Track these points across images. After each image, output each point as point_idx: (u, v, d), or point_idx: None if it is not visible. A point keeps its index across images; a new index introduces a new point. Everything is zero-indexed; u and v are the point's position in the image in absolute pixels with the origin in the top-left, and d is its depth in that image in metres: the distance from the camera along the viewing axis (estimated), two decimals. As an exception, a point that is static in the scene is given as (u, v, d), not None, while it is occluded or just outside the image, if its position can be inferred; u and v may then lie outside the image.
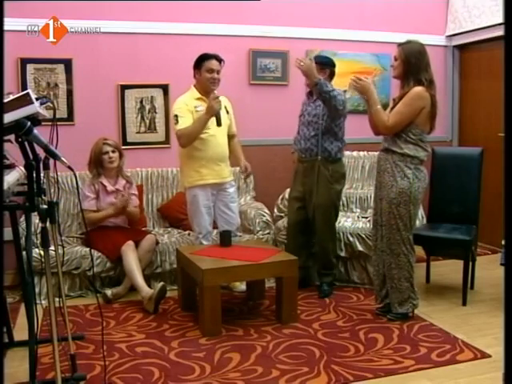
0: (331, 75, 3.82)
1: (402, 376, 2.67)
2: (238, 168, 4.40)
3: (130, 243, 3.72)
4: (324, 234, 3.85)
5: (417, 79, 3.13)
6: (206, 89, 3.61)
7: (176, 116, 3.59)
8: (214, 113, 3.51)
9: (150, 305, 3.48)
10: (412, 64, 3.12)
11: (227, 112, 3.76)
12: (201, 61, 3.61)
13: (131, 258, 3.65)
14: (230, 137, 3.87)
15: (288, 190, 4.18)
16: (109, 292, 3.71)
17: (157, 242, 3.91)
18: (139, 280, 3.60)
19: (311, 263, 4.00)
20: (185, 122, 3.57)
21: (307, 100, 3.90)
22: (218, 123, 3.58)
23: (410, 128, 3.16)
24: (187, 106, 3.61)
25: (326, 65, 3.77)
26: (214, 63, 3.59)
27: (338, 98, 3.62)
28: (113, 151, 3.93)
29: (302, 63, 3.48)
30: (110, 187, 3.93)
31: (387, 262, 3.30)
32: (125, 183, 4.02)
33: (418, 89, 3.11)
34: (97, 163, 3.93)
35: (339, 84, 4.97)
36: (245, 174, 3.86)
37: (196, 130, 3.55)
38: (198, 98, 3.65)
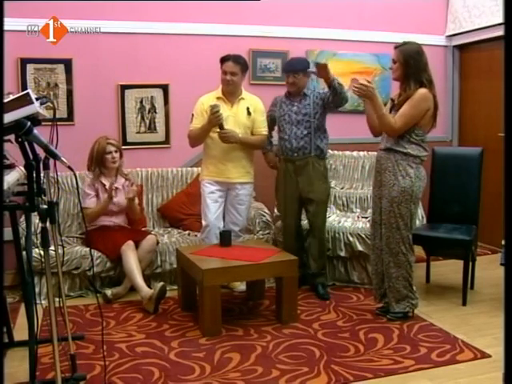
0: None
1: (402, 376, 2.67)
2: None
3: (130, 243, 3.72)
4: (322, 229, 3.88)
5: (417, 80, 3.13)
6: (223, 89, 3.73)
7: (192, 115, 3.75)
8: (213, 125, 3.61)
9: (150, 305, 3.48)
10: (411, 65, 3.13)
11: (249, 113, 3.75)
12: (220, 62, 3.70)
13: (131, 257, 3.65)
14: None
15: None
16: (109, 292, 3.71)
17: (157, 243, 3.91)
18: (139, 280, 3.60)
19: (307, 261, 3.98)
20: (196, 122, 3.71)
21: (286, 100, 3.87)
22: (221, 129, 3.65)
23: (413, 129, 3.17)
24: (203, 105, 3.73)
25: (308, 68, 3.78)
26: (227, 65, 3.66)
27: (347, 94, 3.72)
28: (115, 151, 3.94)
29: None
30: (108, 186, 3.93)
31: (386, 260, 3.31)
32: (124, 181, 4.02)
33: (423, 91, 3.12)
34: (98, 162, 3.92)
35: (339, 84, 5.00)
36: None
37: (199, 136, 3.74)
38: (219, 98, 3.73)
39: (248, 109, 3.75)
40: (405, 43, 3.20)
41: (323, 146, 3.82)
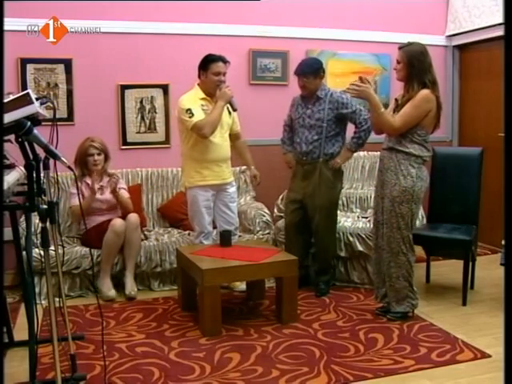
0: (324, 74, 3.84)
1: (402, 376, 2.67)
2: (238, 168, 4.46)
3: (118, 221, 3.77)
4: (326, 235, 3.86)
5: (421, 81, 3.12)
6: (212, 91, 3.62)
7: (189, 109, 3.54)
8: (228, 98, 3.56)
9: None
10: (415, 66, 3.12)
11: (229, 112, 3.74)
12: (207, 62, 3.59)
13: (113, 240, 3.72)
14: (235, 136, 3.89)
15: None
16: (113, 292, 3.75)
17: (143, 226, 3.98)
18: (108, 271, 3.77)
19: (310, 262, 4.00)
20: (200, 114, 3.55)
21: (302, 102, 3.85)
22: (234, 109, 3.67)
23: (415, 129, 3.17)
24: (196, 102, 3.61)
25: (319, 70, 3.75)
26: (220, 66, 3.58)
27: (367, 119, 3.67)
28: (98, 154, 3.94)
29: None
30: (93, 185, 3.89)
31: (386, 260, 3.31)
32: (109, 179, 3.98)
33: (425, 92, 3.12)
34: (81, 163, 3.94)
35: (339, 84, 5.00)
36: (254, 182, 3.93)
37: (217, 117, 3.55)
38: (203, 98, 3.64)
39: (228, 108, 3.71)
40: (409, 44, 3.19)
41: (334, 150, 3.77)
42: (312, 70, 3.71)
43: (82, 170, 3.95)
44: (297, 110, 3.87)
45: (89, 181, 3.93)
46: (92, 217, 3.91)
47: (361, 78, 3.20)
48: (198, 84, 3.68)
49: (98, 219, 3.92)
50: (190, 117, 3.53)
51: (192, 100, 3.61)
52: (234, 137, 3.89)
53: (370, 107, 3.25)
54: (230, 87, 3.58)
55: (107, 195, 3.95)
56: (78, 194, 2.56)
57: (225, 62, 3.60)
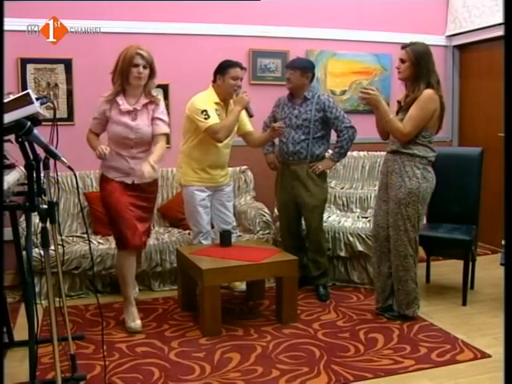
0: (312, 78, 3.83)
1: (402, 376, 2.67)
2: (237, 168, 4.46)
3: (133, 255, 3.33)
4: (320, 234, 3.86)
5: (427, 81, 3.10)
6: (227, 95, 3.62)
7: (206, 111, 3.49)
8: (244, 104, 3.56)
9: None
10: (421, 66, 3.09)
11: None
12: (225, 67, 3.59)
13: (132, 270, 3.32)
14: (249, 134, 3.84)
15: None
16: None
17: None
18: (131, 298, 3.31)
19: (308, 262, 3.98)
20: (215, 117, 3.53)
21: (288, 102, 3.85)
22: (250, 115, 3.67)
23: (420, 131, 3.15)
24: (211, 105, 3.58)
25: (307, 69, 3.76)
26: (239, 71, 3.59)
27: (353, 135, 3.78)
28: (144, 67, 3.18)
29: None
30: (124, 106, 3.20)
31: (394, 264, 3.28)
32: (147, 103, 3.26)
33: (429, 92, 3.09)
34: (122, 75, 3.19)
35: (339, 84, 5.03)
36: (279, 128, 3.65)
37: (233, 123, 3.56)
38: (217, 103, 3.62)
39: None
40: (413, 43, 3.15)
41: (320, 151, 3.80)
42: (301, 66, 3.73)
43: (121, 84, 3.20)
44: (283, 110, 3.86)
45: (120, 100, 3.20)
46: (112, 154, 3.19)
47: (372, 90, 3.16)
48: (213, 86, 3.67)
49: (121, 165, 3.21)
50: (205, 118, 3.50)
51: (207, 102, 3.58)
52: (247, 134, 3.84)
53: (378, 115, 3.21)
54: (247, 93, 3.59)
55: (141, 121, 3.21)
56: (78, 197, 2.55)
57: (242, 67, 3.62)
